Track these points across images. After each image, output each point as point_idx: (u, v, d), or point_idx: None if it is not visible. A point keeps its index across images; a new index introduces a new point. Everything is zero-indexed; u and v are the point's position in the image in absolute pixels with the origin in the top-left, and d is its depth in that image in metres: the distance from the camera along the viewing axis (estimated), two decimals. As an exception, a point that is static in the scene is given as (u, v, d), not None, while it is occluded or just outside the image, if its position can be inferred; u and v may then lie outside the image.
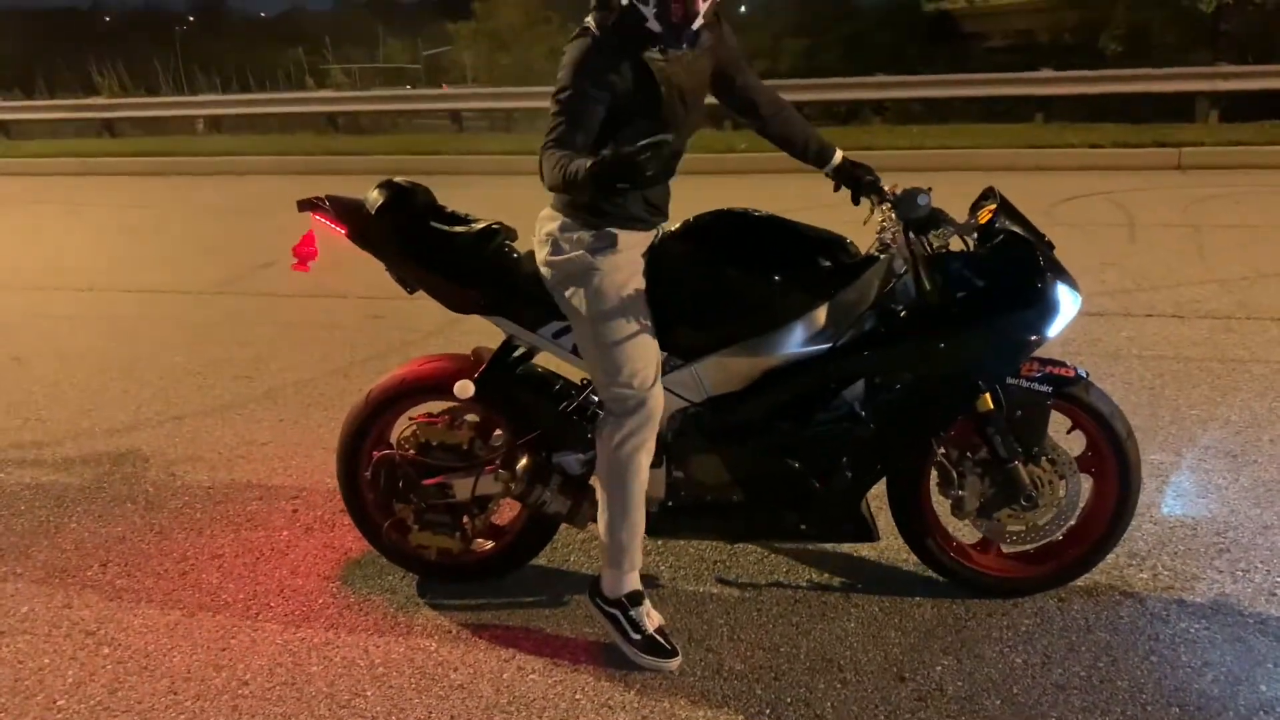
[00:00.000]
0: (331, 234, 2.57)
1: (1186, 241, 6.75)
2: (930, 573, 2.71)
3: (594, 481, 2.51)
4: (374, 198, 2.53)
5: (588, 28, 2.19)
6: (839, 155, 2.64)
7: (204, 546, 3.09)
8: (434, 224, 2.54)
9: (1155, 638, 2.48)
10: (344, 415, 2.75)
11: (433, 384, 2.65)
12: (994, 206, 2.43)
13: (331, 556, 3.00)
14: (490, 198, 5.64)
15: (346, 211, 2.57)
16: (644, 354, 2.32)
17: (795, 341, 2.41)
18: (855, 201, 2.60)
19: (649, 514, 2.52)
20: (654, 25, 2.16)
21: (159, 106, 17.92)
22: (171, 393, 4.53)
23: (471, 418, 2.67)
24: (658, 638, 2.42)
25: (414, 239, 2.53)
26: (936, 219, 2.30)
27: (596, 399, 2.51)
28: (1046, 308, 2.31)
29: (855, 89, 14.16)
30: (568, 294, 2.36)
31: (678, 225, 2.46)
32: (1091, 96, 13.42)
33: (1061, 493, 2.53)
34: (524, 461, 2.59)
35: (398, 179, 2.61)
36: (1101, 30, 19.21)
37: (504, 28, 25.10)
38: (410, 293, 2.63)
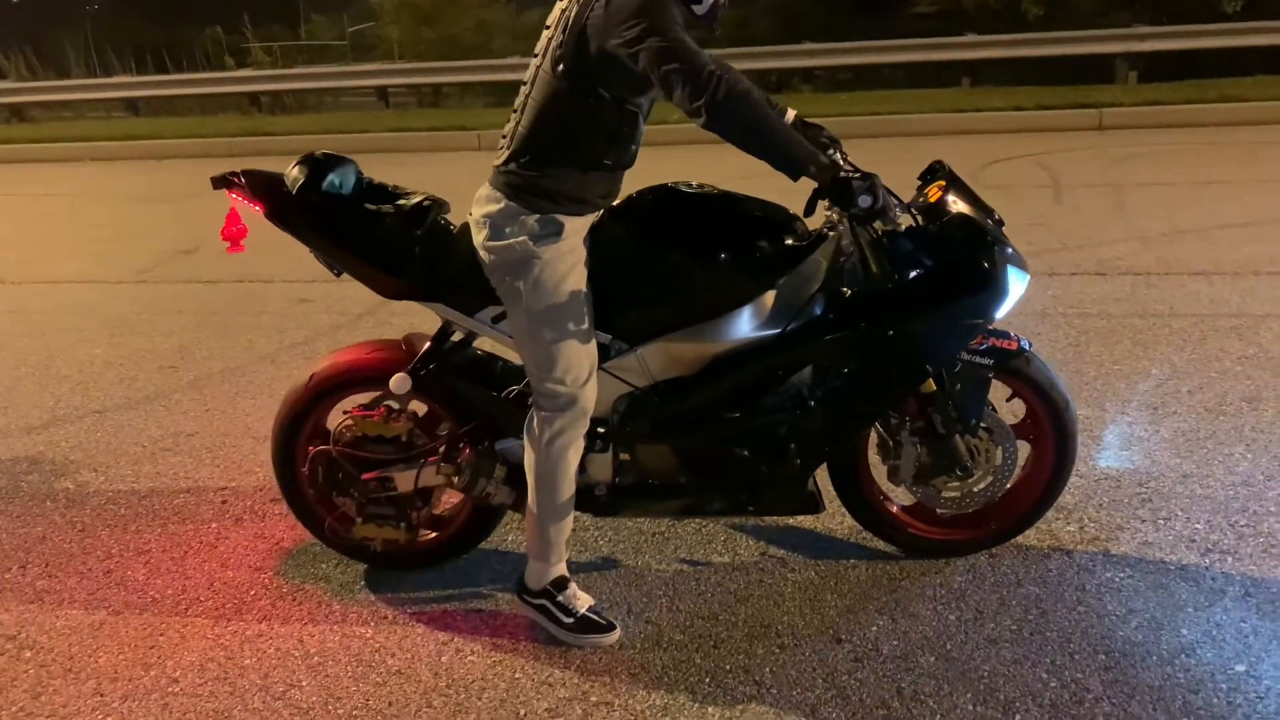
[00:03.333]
0: (250, 212, 2.47)
1: (1108, 200, 6.91)
2: (865, 535, 2.74)
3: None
4: (294, 175, 2.40)
5: None
6: (790, 114, 2.57)
7: (129, 543, 3.00)
8: (360, 203, 2.43)
9: (1082, 588, 2.54)
10: (273, 403, 2.68)
11: (366, 374, 2.57)
12: (943, 183, 2.40)
13: (262, 547, 2.94)
14: (420, 175, 5.53)
15: (264, 187, 2.43)
16: (579, 351, 2.26)
17: (743, 327, 2.36)
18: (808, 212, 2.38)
19: (595, 496, 2.50)
20: (701, 7, 2.11)
21: (71, 90, 17.26)
22: (91, 386, 4.39)
23: (409, 408, 2.59)
24: (591, 616, 2.41)
25: (337, 221, 2.42)
26: (883, 208, 2.13)
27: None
28: (995, 292, 2.30)
29: (785, 57, 14.17)
30: (505, 282, 2.26)
31: (619, 201, 2.37)
32: (1015, 60, 13.61)
33: (998, 460, 2.56)
34: (466, 453, 2.52)
35: (319, 153, 2.49)
36: (1023, -6, 19.44)
37: (429, 2, 24.62)
38: (337, 275, 2.54)
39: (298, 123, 14.42)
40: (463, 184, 2.42)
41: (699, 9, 2.12)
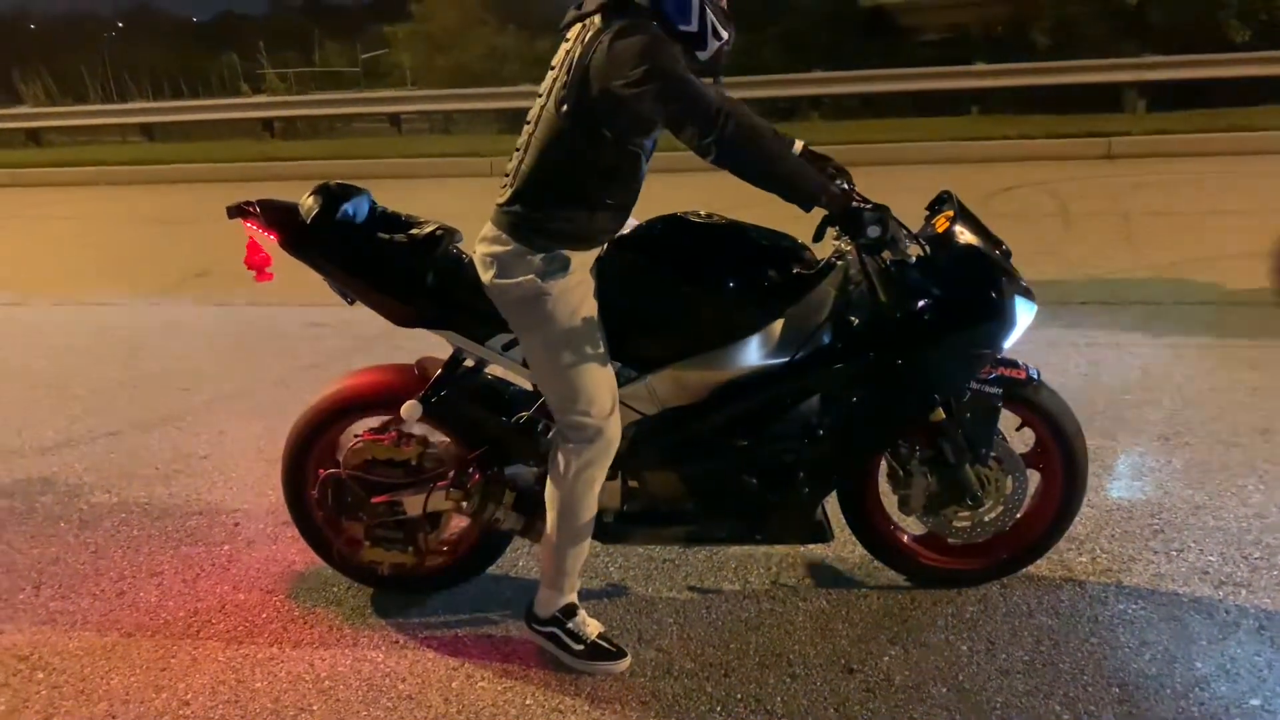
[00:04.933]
0: (265, 240, 2.50)
1: (1117, 229, 6.92)
2: (876, 564, 2.73)
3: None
4: (309, 205, 2.44)
5: (651, 23, 2.08)
6: (798, 145, 2.59)
7: (142, 565, 3.01)
8: (373, 232, 2.46)
9: (1095, 620, 2.53)
10: (285, 426, 2.69)
11: (377, 398, 2.59)
12: (951, 213, 2.41)
13: (274, 570, 2.95)
14: (431, 201, 5.58)
15: (279, 216, 2.46)
16: (600, 380, 2.27)
17: (751, 356, 2.37)
18: (816, 240, 2.40)
19: (604, 523, 2.50)
20: (705, 53, 2.15)
21: (88, 115, 17.46)
22: (105, 408, 4.41)
23: (419, 433, 2.59)
24: (601, 643, 2.41)
25: (350, 250, 2.44)
26: (893, 238, 2.16)
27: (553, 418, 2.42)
28: (1003, 322, 2.31)
29: (793, 85, 14.25)
30: (518, 319, 2.28)
31: (628, 230, 2.39)
32: (1024, 89, 13.67)
33: (1008, 489, 2.56)
34: (475, 478, 2.53)
35: (334, 183, 2.53)
36: (1031, 23, 19.58)
37: (441, 30, 24.87)
38: (350, 304, 2.57)
39: (310, 148, 14.53)
40: (474, 209, 2.45)
41: (702, 55, 2.15)
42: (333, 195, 2.46)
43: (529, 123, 2.24)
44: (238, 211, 2.47)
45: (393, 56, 28.45)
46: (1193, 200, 7.89)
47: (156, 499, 3.46)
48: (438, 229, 2.49)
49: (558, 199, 2.21)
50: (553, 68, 2.21)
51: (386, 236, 2.45)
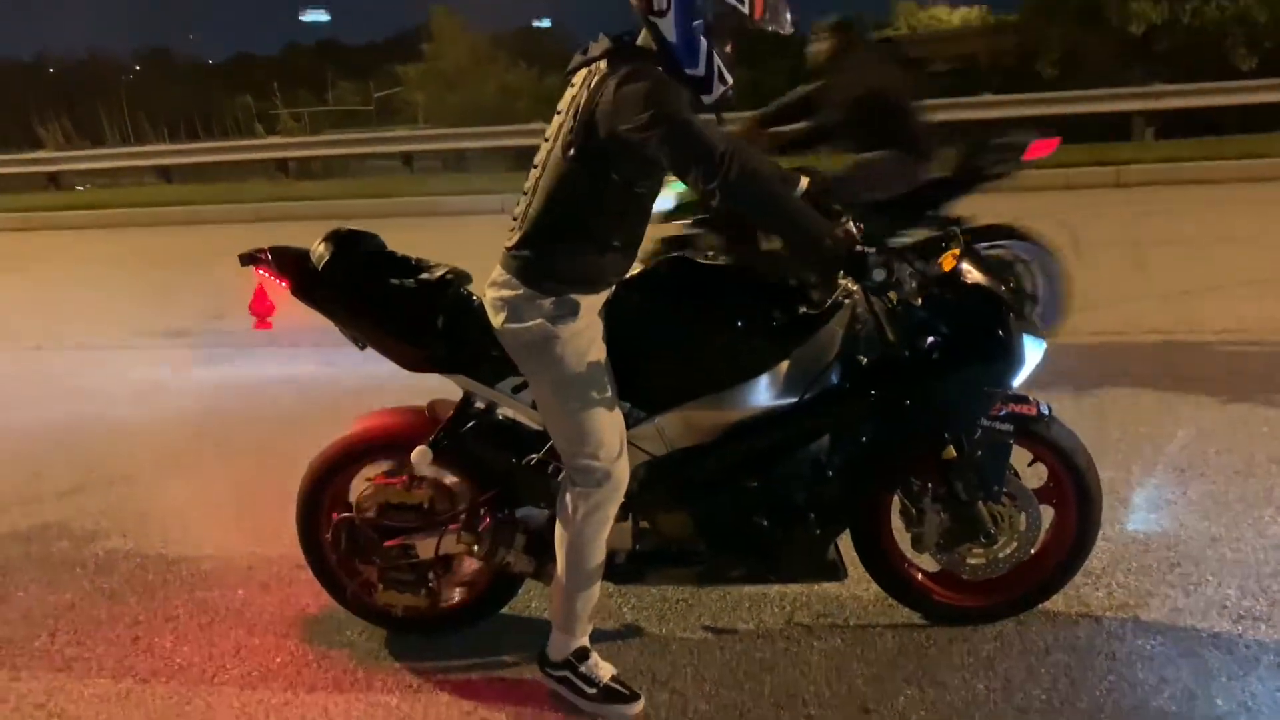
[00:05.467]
0: (276, 288, 2.54)
1: (1128, 258, 6.90)
2: (891, 602, 2.72)
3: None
4: (320, 252, 2.48)
5: (657, 68, 2.12)
6: (804, 181, 2.61)
7: (157, 610, 3.02)
8: (383, 278, 2.48)
9: (1112, 656, 2.51)
10: (299, 469, 2.71)
11: (390, 441, 2.61)
12: (957, 250, 2.42)
13: (289, 613, 2.95)
14: (444, 239, 5.61)
15: (290, 263, 2.51)
16: (608, 423, 2.28)
17: (760, 396, 2.38)
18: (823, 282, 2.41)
19: (615, 564, 2.50)
20: (710, 97, 2.19)
21: (106, 158, 17.73)
22: (121, 451, 4.44)
23: (431, 474, 2.60)
24: (614, 685, 2.40)
25: (361, 296, 2.48)
26: (898, 280, 2.16)
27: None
28: (1011, 361, 2.32)
29: (802, 118, 14.34)
30: (528, 363, 2.30)
31: (636, 272, 2.41)
32: (1031, 118, 13.72)
33: (1022, 526, 2.55)
34: (486, 521, 2.54)
35: (345, 229, 2.57)
36: (1037, 54, 19.72)
37: (452, 69, 25.19)
38: (361, 349, 2.59)
39: (325, 188, 14.71)
40: (487, 247, 2.47)
41: (708, 99, 2.19)
42: (343, 241, 2.50)
43: (536, 166, 2.28)
44: (250, 259, 2.51)
45: (405, 95, 28.82)
46: (1203, 227, 7.87)
47: (172, 543, 3.48)
48: (447, 273, 2.52)
49: (566, 242, 2.23)
50: (559, 112, 2.24)
51: (396, 281, 2.48)
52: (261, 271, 2.52)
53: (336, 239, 2.51)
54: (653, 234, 2.38)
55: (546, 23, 69.42)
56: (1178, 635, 2.58)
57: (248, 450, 4.37)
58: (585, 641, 2.44)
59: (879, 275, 2.10)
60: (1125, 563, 2.95)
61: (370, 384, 5.11)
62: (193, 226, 12.51)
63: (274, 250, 2.53)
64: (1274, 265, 6.41)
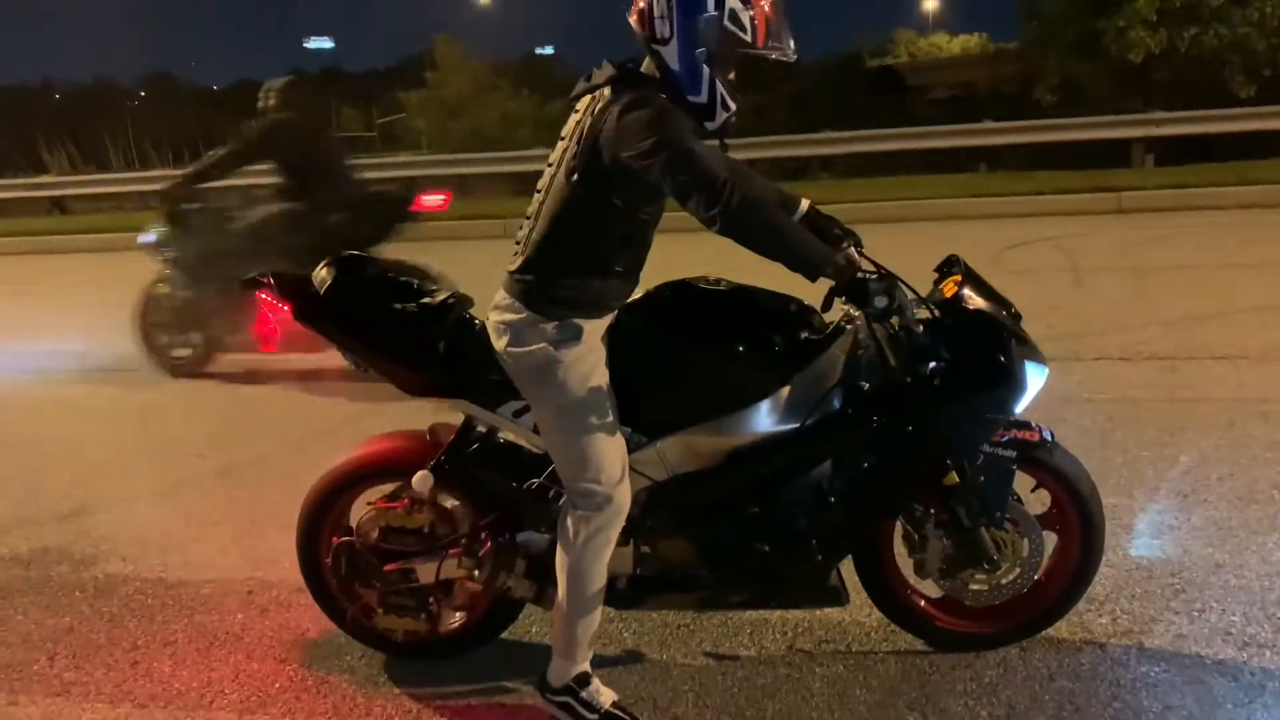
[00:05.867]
0: (278, 313, 2.55)
1: (1129, 284, 6.93)
2: (893, 628, 2.71)
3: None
4: (322, 276, 2.50)
5: (660, 95, 2.14)
6: (805, 204, 2.63)
7: (156, 634, 3.01)
8: (385, 302, 2.49)
9: (1116, 683, 2.49)
10: (299, 492, 2.71)
11: (390, 465, 2.61)
12: (959, 277, 2.43)
13: (288, 638, 2.93)
14: (446, 263, 5.64)
15: (292, 288, 2.52)
16: (610, 447, 2.28)
17: (761, 421, 2.37)
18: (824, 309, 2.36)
19: (616, 589, 2.49)
20: (713, 123, 2.21)
21: (111, 183, 17.78)
22: (120, 475, 4.44)
23: (431, 500, 2.59)
24: (615, 712, 2.38)
25: (363, 320, 2.49)
26: (900, 306, 2.17)
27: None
28: (1013, 388, 2.32)
29: (803, 145, 14.43)
30: (530, 387, 2.30)
31: (638, 296, 2.42)
32: (1032, 145, 13.80)
33: (1025, 552, 2.54)
34: (487, 546, 2.53)
35: (347, 253, 2.59)
36: (1036, 82, 19.85)
37: (455, 96, 25.36)
38: (363, 372, 2.59)
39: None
40: (489, 270, 2.48)
41: (711, 125, 2.21)
42: (345, 266, 2.51)
43: (539, 191, 2.29)
44: (251, 284, 2.52)
45: (408, 121, 28.94)
46: (1204, 254, 7.89)
47: (171, 567, 3.47)
48: (449, 297, 2.53)
49: (569, 266, 2.24)
50: (563, 137, 2.26)
51: (398, 306, 2.49)
52: (263, 295, 2.53)
53: (338, 264, 2.52)
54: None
55: (549, 50, 70.15)
56: (1182, 662, 2.57)
57: (247, 473, 4.37)
58: (586, 667, 2.42)
59: (880, 302, 2.11)
60: (1129, 589, 2.93)
61: (371, 406, 5.11)
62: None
63: (276, 275, 2.55)
64: (1276, 292, 6.42)
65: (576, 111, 2.25)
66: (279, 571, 3.34)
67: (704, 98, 2.17)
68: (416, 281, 2.59)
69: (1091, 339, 5.60)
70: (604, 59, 2.24)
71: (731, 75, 2.20)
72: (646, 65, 2.22)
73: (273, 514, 3.86)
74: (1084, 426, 4.25)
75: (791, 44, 2.22)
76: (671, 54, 2.15)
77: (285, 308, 2.51)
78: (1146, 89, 17.55)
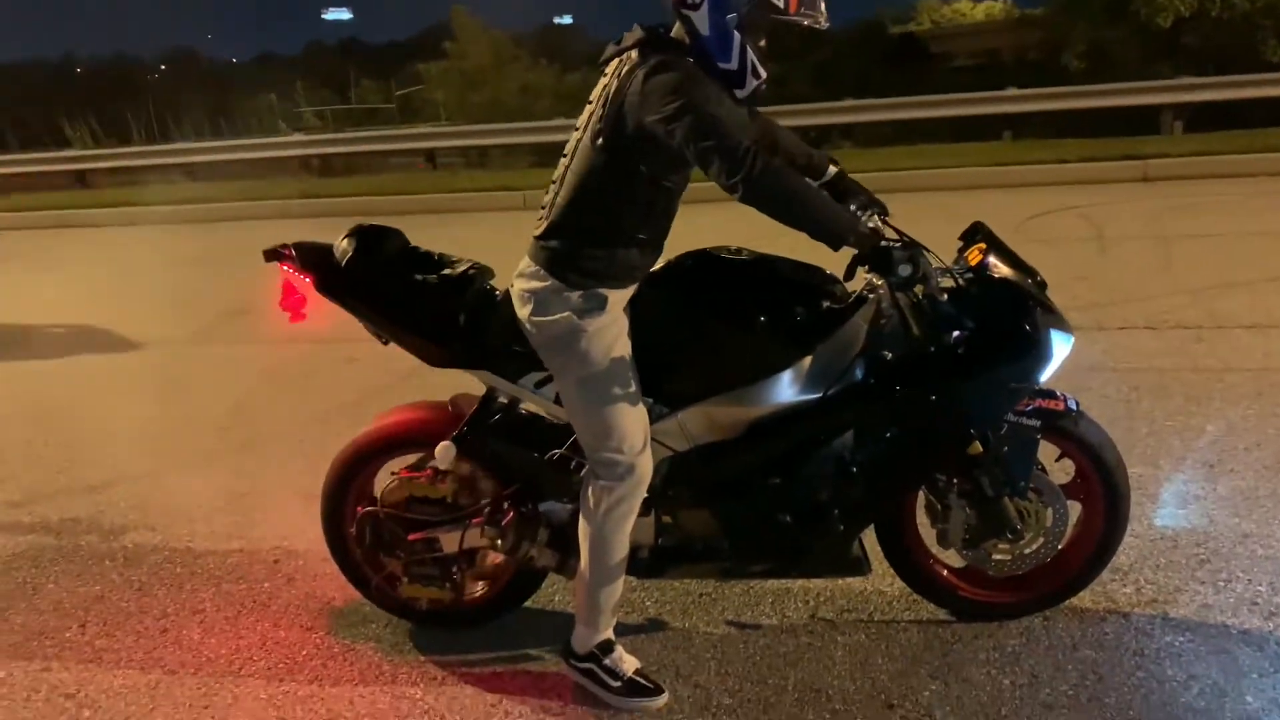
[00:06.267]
0: (300, 283, 2.55)
1: (1155, 253, 6.83)
2: (915, 597, 2.71)
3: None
4: (344, 248, 2.50)
5: (687, 60, 2.12)
6: (832, 170, 2.62)
7: (184, 602, 3.05)
8: (406, 274, 2.49)
9: (1141, 653, 2.49)
10: (323, 463, 2.73)
11: (413, 436, 2.62)
12: (984, 245, 2.40)
13: (314, 606, 2.97)
14: (466, 235, 5.64)
15: (314, 259, 2.52)
16: (632, 417, 2.28)
17: (783, 392, 2.36)
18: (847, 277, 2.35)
19: (638, 558, 2.50)
20: (743, 91, 2.18)
21: (132, 156, 17.87)
22: (148, 447, 4.49)
23: (454, 470, 2.61)
24: (638, 679, 2.40)
25: (384, 292, 2.49)
26: (924, 275, 2.14)
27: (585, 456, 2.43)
28: (1038, 356, 2.30)
29: (824, 114, 14.28)
30: (553, 356, 2.30)
31: (659, 266, 2.40)
32: (1057, 113, 13.60)
33: (1048, 522, 2.53)
34: (510, 516, 2.54)
35: (368, 224, 2.58)
36: (1063, 48, 19.54)
37: (474, 67, 25.25)
38: (384, 344, 2.60)
39: (348, 185, 14.75)
40: (509, 243, 2.48)
41: (740, 93, 2.18)
42: (367, 237, 2.51)
43: (565, 155, 2.27)
44: (274, 255, 2.53)
45: (427, 93, 28.89)
46: (1232, 222, 7.77)
47: (199, 536, 3.52)
48: (470, 268, 2.52)
49: (593, 233, 2.23)
50: (590, 101, 2.24)
51: (419, 277, 2.49)
52: (285, 267, 2.54)
53: (360, 235, 2.52)
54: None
55: (568, 19, 69.64)
56: (1207, 632, 2.55)
57: (272, 444, 4.41)
58: (610, 635, 2.44)
59: (904, 270, 2.09)
60: (1153, 559, 2.92)
61: (394, 378, 5.14)
62: (218, 224, 12.59)
63: (298, 246, 2.54)
64: (1305, 259, 6.32)
65: (605, 75, 2.23)
66: (305, 541, 3.37)
67: (734, 64, 2.14)
68: (437, 253, 2.59)
69: (1117, 308, 5.54)
70: (635, 23, 2.22)
71: (762, 42, 2.17)
72: (676, 30, 2.19)
73: (297, 484, 3.89)
74: (1109, 396, 4.22)
75: (824, 10, 2.19)
76: (702, 19, 2.12)
77: (307, 279, 2.51)
78: (1176, 54, 17.24)
